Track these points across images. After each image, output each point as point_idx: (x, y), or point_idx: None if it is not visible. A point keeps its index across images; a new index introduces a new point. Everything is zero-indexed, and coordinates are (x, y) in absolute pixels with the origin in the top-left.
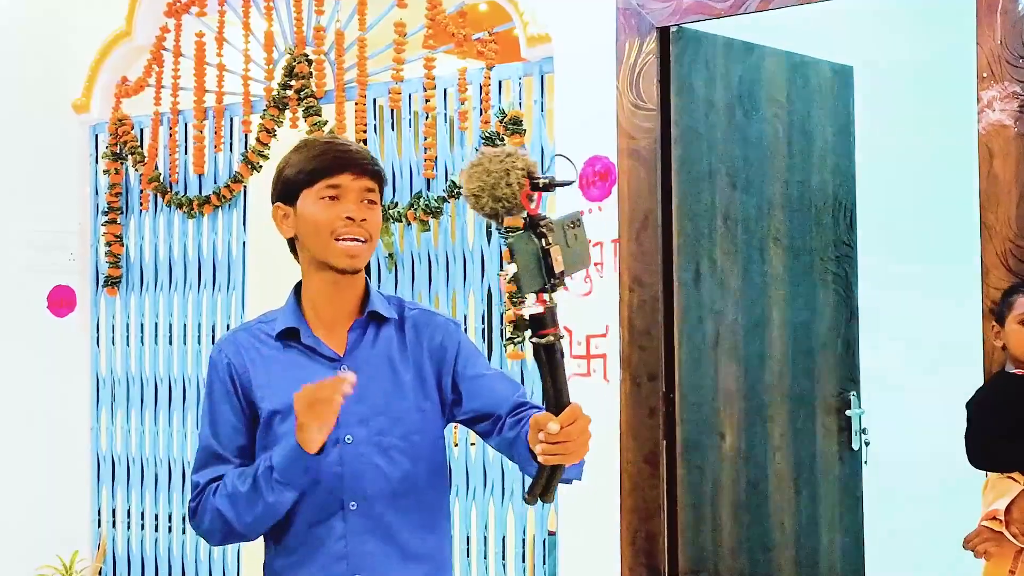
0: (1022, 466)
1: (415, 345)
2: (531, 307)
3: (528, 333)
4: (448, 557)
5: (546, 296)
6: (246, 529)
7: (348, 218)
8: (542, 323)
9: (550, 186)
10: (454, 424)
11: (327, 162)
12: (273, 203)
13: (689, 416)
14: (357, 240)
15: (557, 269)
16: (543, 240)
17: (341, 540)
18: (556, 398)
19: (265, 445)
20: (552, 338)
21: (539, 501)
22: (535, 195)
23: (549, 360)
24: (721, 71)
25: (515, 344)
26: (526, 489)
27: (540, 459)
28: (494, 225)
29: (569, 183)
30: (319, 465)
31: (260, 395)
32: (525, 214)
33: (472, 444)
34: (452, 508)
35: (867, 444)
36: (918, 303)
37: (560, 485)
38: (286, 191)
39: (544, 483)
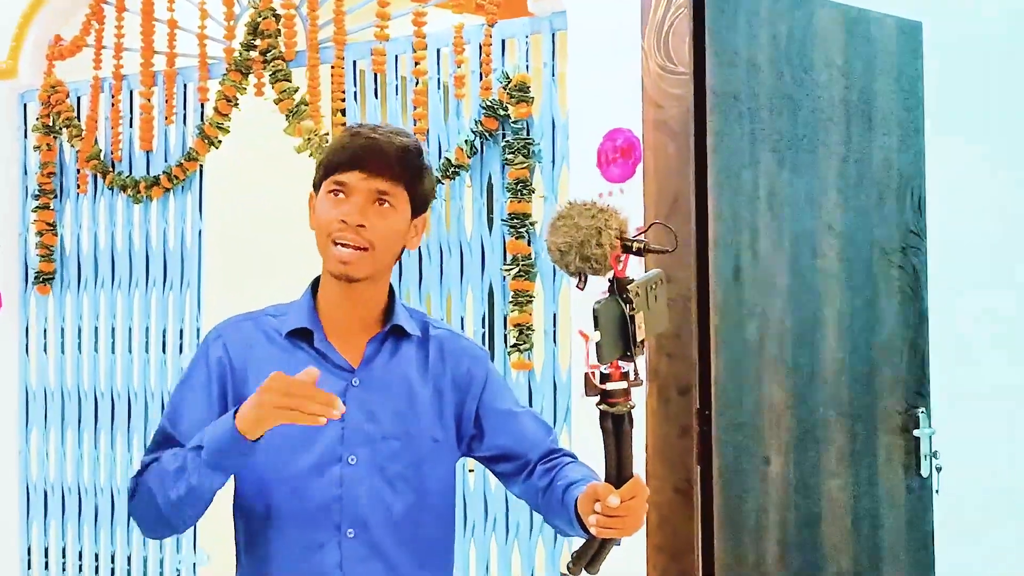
0: None
1: (438, 368)
2: (616, 383)
3: (597, 399)
4: None
5: (623, 364)
6: (171, 514)
7: (343, 221)
8: (613, 392)
9: (643, 251)
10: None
11: (342, 155)
12: (311, 190)
13: (728, 437)
14: (353, 247)
15: (640, 337)
16: (628, 306)
17: (337, 569)
18: (619, 470)
19: (261, 454)
20: (623, 408)
21: (586, 572)
22: (624, 257)
23: (616, 430)
24: (766, 27)
25: (521, 352)
26: (571, 558)
27: (593, 531)
28: (573, 282)
29: (666, 251)
30: (254, 451)
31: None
32: (611, 275)
33: (471, 470)
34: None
35: (939, 470)
36: (999, 305)
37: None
38: (316, 179)
39: (593, 555)
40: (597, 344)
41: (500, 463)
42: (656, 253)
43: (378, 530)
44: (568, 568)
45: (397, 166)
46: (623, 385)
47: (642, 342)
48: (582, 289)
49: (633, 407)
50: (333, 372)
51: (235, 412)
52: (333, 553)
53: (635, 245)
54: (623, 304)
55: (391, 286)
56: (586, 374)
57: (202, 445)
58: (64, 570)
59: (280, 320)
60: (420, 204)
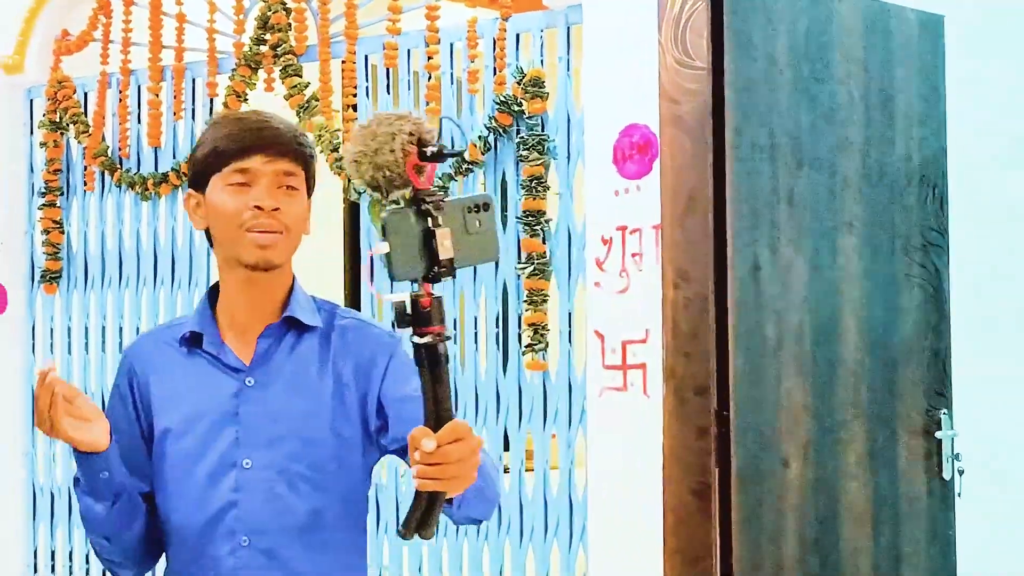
0: None
1: (340, 359)
2: (395, 295)
3: (409, 331)
4: None
5: (435, 290)
6: (99, 548)
7: (257, 207)
8: (423, 319)
9: (440, 156)
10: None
11: (236, 142)
12: (187, 189)
13: (746, 438)
14: (270, 232)
15: (443, 255)
16: (428, 220)
17: None
18: (436, 411)
19: (157, 467)
20: (434, 338)
21: (416, 536)
22: (426, 167)
23: (430, 365)
24: (785, 21)
25: (535, 352)
26: (401, 521)
27: (415, 483)
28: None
29: (458, 153)
30: (113, 464)
31: (159, 409)
32: (412, 187)
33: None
34: (459, 549)
35: (961, 473)
36: (1023, 304)
37: (591, 524)
38: (196, 176)
39: (421, 514)
40: (386, 256)
41: (407, 455)
42: (453, 156)
43: (278, 536)
44: (399, 532)
45: (295, 145)
46: (401, 297)
47: (448, 262)
48: (384, 203)
49: (448, 339)
50: (226, 373)
51: None
52: (226, 563)
53: (429, 150)
54: (419, 218)
55: (293, 276)
56: (404, 299)
57: (78, 477)
58: (71, 573)
59: (177, 328)
60: (311, 187)
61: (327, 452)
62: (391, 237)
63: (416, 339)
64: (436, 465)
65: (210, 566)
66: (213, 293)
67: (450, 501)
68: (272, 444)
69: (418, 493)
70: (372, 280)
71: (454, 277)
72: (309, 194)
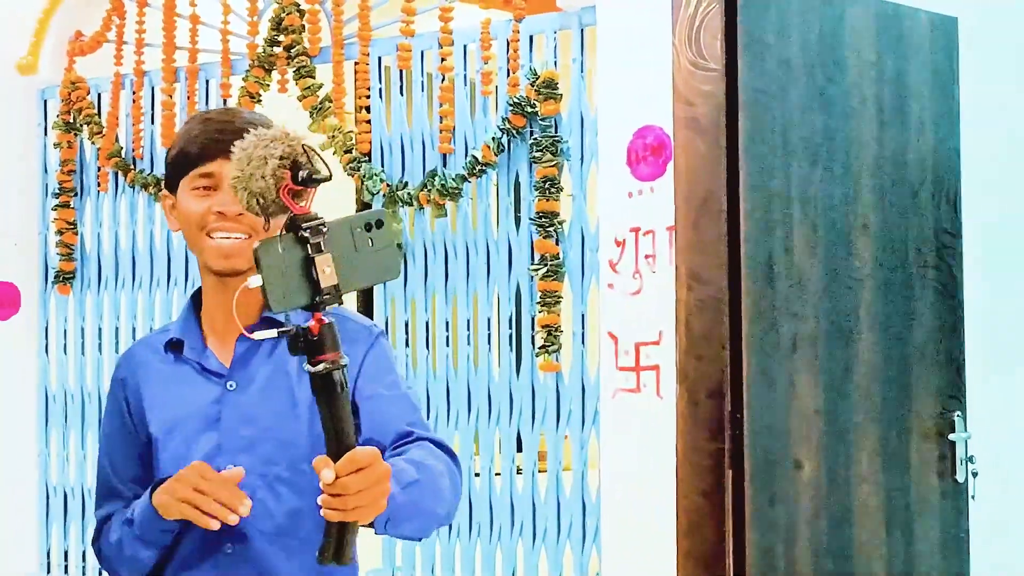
0: None
1: None
2: (263, 332)
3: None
4: None
5: (326, 317)
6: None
7: (219, 213)
8: (314, 347)
9: (312, 180)
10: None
11: (199, 145)
12: (164, 191)
13: (759, 441)
14: (234, 236)
15: (325, 283)
16: (306, 247)
17: None
18: (336, 440)
19: (154, 473)
20: (327, 366)
21: (334, 563)
22: (304, 191)
23: (326, 393)
24: (798, 23)
25: (549, 353)
26: (317, 551)
27: (322, 513)
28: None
29: (326, 179)
30: (176, 527)
31: (149, 417)
32: (289, 214)
33: (497, 474)
34: (472, 551)
35: (974, 475)
36: None
37: (604, 525)
38: (168, 178)
39: (334, 543)
40: (262, 289)
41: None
42: (323, 181)
43: (260, 542)
44: (317, 559)
45: None
46: (274, 331)
47: (333, 288)
48: (267, 231)
49: (344, 367)
50: (209, 379)
51: (154, 487)
52: (211, 572)
53: (300, 175)
54: (294, 246)
55: None
56: (292, 329)
57: (133, 519)
58: (83, 573)
59: (164, 335)
60: None
61: (304, 453)
62: (263, 270)
63: (309, 368)
64: (336, 496)
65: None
66: (198, 296)
67: (371, 524)
68: (251, 448)
69: (327, 523)
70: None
71: (341, 302)
72: None
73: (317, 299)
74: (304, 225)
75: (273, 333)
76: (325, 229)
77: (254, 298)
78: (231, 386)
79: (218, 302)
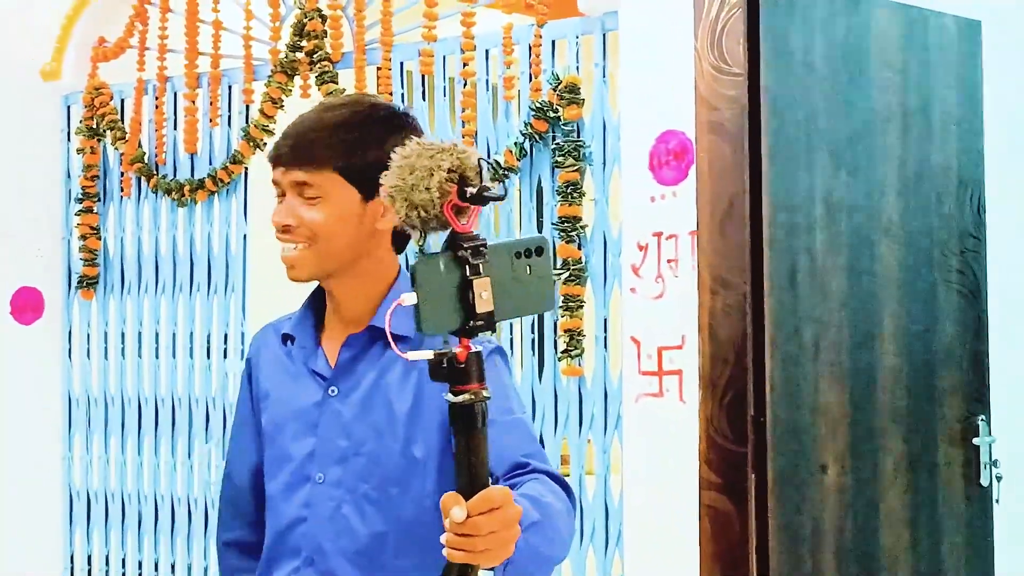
0: None
1: (425, 373)
2: (418, 353)
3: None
4: None
5: (474, 344)
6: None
7: (274, 223)
8: (458, 376)
9: (481, 198)
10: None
11: (273, 150)
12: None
13: (783, 444)
14: (291, 247)
15: (480, 308)
16: (465, 268)
17: None
18: (470, 476)
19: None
20: (469, 397)
21: None
22: (468, 208)
23: (465, 425)
24: (821, 27)
25: (572, 358)
26: None
27: (445, 552)
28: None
29: (499, 198)
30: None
31: (263, 406)
32: (450, 231)
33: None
34: None
35: (999, 479)
36: None
37: (627, 530)
38: None
39: None
40: (415, 308)
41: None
42: (495, 200)
43: (338, 560)
44: None
45: (314, 151)
46: (427, 355)
47: (487, 315)
48: (421, 246)
49: (487, 399)
50: (314, 379)
51: None
52: None
53: (468, 191)
54: (452, 266)
55: (396, 277)
56: (448, 353)
57: None
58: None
59: (286, 323)
60: (370, 181)
61: (393, 474)
62: (419, 287)
63: (450, 397)
64: (465, 536)
65: None
66: (322, 291)
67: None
68: (344, 460)
69: (448, 563)
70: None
71: (494, 331)
72: (369, 187)
73: (470, 324)
74: (466, 245)
75: (429, 354)
76: (486, 251)
77: (360, 300)
78: (332, 391)
79: (329, 304)
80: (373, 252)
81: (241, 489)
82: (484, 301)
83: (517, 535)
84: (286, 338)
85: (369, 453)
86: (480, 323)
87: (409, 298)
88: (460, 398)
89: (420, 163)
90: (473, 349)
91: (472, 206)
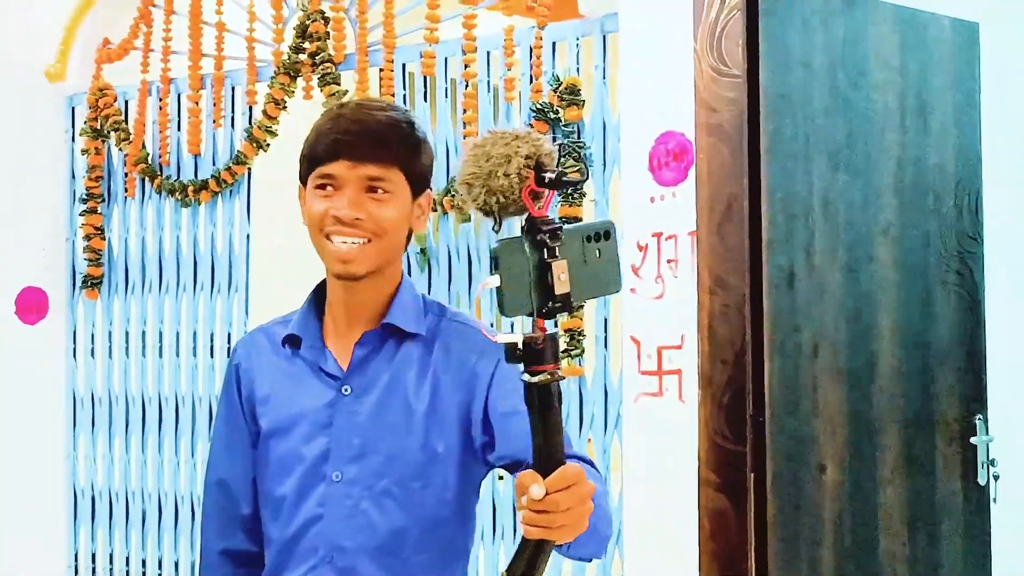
0: None
1: (441, 368)
2: (508, 336)
3: (520, 367)
4: None
5: (545, 323)
6: None
7: (335, 217)
8: (535, 357)
9: (559, 183)
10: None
11: (323, 145)
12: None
13: (782, 444)
14: (352, 241)
15: (559, 290)
16: (543, 251)
17: None
18: (547, 454)
19: (259, 471)
20: (547, 376)
21: None
22: (543, 193)
23: (541, 405)
24: (820, 29)
25: (572, 357)
26: (505, 567)
27: (522, 530)
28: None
29: (581, 182)
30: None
31: (261, 410)
32: (527, 215)
33: (500, 479)
34: (496, 554)
35: (996, 478)
36: None
37: (626, 528)
38: (300, 172)
39: (527, 561)
40: (497, 290)
41: (516, 472)
42: (573, 184)
43: (359, 556)
44: None
45: (387, 147)
46: (516, 339)
47: (564, 297)
48: (497, 232)
49: (563, 378)
50: (324, 380)
51: None
52: None
53: (547, 176)
54: (533, 249)
55: (402, 277)
56: (540, 338)
57: None
58: (111, 574)
59: (282, 327)
60: (420, 182)
61: (413, 469)
62: (502, 270)
63: (527, 377)
64: (544, 513)
65: None
66: (320, 290)
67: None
68: (360, 458)
69: (524, 539)
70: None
71: (571, 313)
72: (421, 189)
73: (550, 305)
74: (544, 228)
75: (517, 338)
76: (562, 235)
77: (374, 300)
78: (346, 391)
79: (341, 303)
80: (401, 252)
81: (238, 497)
82: (562, 283)
83: (591, 511)
84: (286, 341)
85: (387, 450)
86: (559, 304)
87: (492, 281)
88: (537, 378)
89: (496, 151)
90: (548, 331)
91: (547, 191)
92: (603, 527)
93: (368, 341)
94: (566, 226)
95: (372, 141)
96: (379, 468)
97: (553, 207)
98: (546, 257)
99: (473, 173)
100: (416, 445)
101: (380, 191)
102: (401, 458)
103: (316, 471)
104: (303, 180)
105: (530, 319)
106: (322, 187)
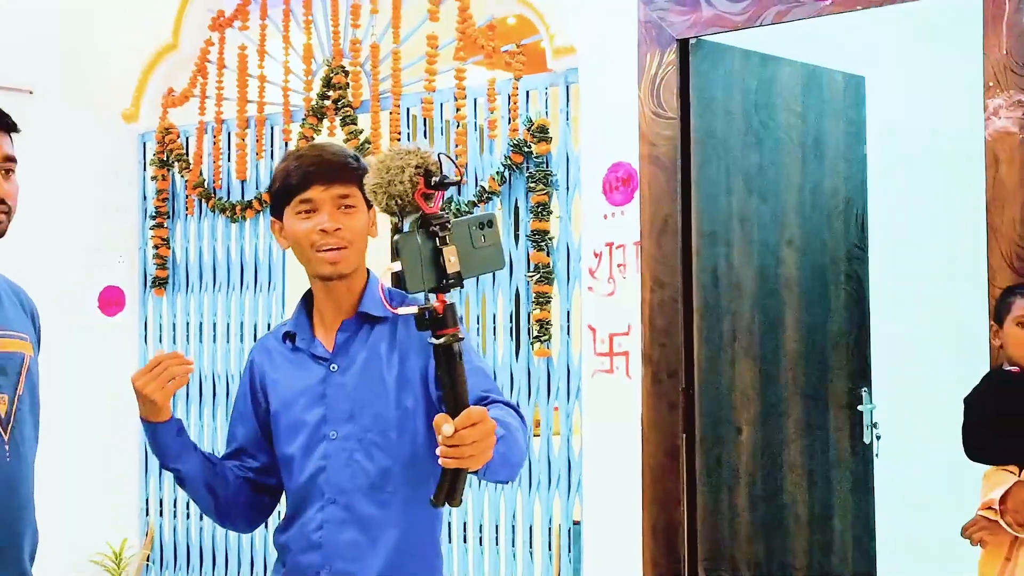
0: (1015, 459)
1: (405, 342)
2: (405, 308)
3: (428, 333)
4: (429, 549)
5: (448, 297)
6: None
7: (322, 231)
8: (438, 323)
9: (443, 184)
10: None
11: (296, 178)
12: (270, 217)
13: (707, 411)
14: (336, 248)
15: (450, 269)
16: (435, 240)
17: (318, 530)
18: (454, 400)
19: (275, 441)
20: (448, 339)
21: (446, 505)
22: (434, 194)
23: (447, 361)
24: (738, 81)
25: (542, 342)
26: (431, 495)
27: (440, 462)
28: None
29: (456, 183)
30: (163, 436)
31: (272, 393)
32: (420, 212)
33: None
34: (482, 498)
35: (878, 438)
36: (928, 303)
37: (585, 478)
38: (273, 207)
39: (447, 487)
40: (398, 274)
41: None
42: (452, 185)
43: (354, 494)
44: (430, 502)
45: (348, 170)
46: (413, 309)
47: (456, 274)
48: (400, 228)
49: (461, 339)
50: (317, 363)
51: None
52: (317, 517)
53: (433, 180)
54: (427, 239)
55: (369, 275)
56: (430, 307)
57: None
58: (175, 516)
59: (282, 328)
60: (369, 200)
61: (391, 422)
62: (402, 257)
63: (433, 340)
64: (455, 447)
65: (306, 519)
66: (308, 297)
67: (476, 471)
68: (350, 418)
69: (443, 470)
70: (383, 291)
71: (462, 287)
72: (369, 204)
73: (444, 282)
74: (435, 222)
75: (414, 309)
76: (450, 226)
77: (351, 295)
78: (333, 368)
79: (326, 301)
80: (365, 253)
81: (250, 448)
82: (452, 264)
83: (494, 443)
84: (286, 336)
85: (370, 410)
86: (451, 280)
87: (395, 266)
88: (441, 340)
89: (393, 163)
90: (447, 302)
91: (437, 192)
92: (513, 456)
93: (347, 328)
94: (454, 219)
95: (336, 166)
96: (366, 425)
97: (526, 223)
98: (438, 244)
99: (376, 183)
100: (392, 404)
101: (348, 207)
102: (382, 415)
103: (317, 432)
104: (278, 213)
105: (438, 294)
106: (302, 212)
